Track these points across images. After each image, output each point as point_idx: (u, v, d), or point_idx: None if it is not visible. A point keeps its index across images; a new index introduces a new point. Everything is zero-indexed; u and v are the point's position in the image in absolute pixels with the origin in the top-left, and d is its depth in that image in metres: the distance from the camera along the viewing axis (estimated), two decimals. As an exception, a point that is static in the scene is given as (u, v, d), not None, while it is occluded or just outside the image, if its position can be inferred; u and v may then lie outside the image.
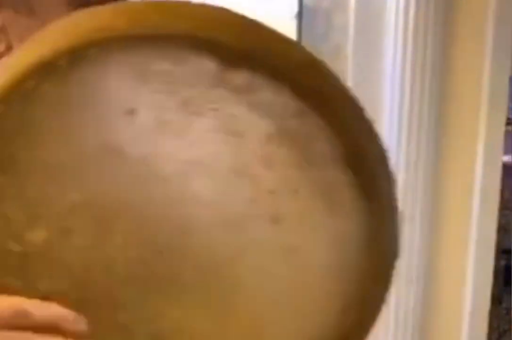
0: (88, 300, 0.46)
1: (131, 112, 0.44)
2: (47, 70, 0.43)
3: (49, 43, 0.44)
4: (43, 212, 0.45)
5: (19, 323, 0.44)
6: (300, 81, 0.45)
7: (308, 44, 2.16)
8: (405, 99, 1.90)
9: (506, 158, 1.94)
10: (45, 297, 0.45)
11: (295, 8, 2.13)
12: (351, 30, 2.16)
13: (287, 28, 2.12)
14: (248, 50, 0.44)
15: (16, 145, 0.44)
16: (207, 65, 0.44)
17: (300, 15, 2.14)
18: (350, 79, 2.19)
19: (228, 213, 0.46)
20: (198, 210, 0.46)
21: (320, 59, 0.46)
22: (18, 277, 0.45)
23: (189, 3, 0.45)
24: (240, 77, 0.44)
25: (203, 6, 0.45)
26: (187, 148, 0.45)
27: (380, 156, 0.49)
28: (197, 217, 0.46)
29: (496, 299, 2.03)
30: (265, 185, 0.46)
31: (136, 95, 0.44)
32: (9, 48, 0.62)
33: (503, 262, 2.16)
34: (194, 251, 0.46)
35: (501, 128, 1.79)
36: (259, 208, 0.47)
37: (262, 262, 0.48)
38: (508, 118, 1.86)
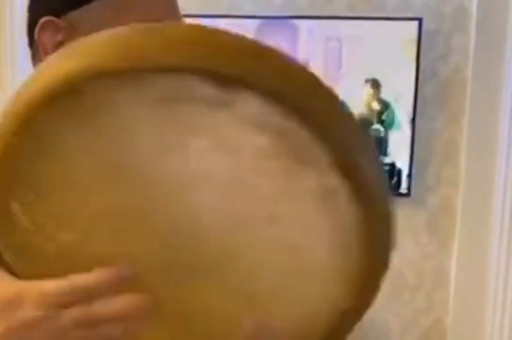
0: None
1: (133, 134, 0.49)
2: (53, 102, 0.48)
3: (50, 76, 0.48)
4: (68, 219, 0.52)
5: (72, 298, 0.51)
6: (287, 98, 0.47)
7: (427, 66, 2.14)
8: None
9: None
10: None
11: (414, 32, 2.12)
12: (471, 52, 2.12)
13: (406, 50, 2.12)
14: (239, 74, 0.46)
15: (38, 166, 0.50)
16: (202, 89, 0.47)
17: (419, 38, 2.12)
18: (468, 101, 2.13)
19: (230, 216, 0.51)
20: (205, 214, 0.51)
21: (304, 71, 0.49)
22: (54, 270, 0.53)
23: (175, 27, 0.48)
24: (232, 98, 0.47)
25: (190, 29, 0.48)
26: (189, 164, 0.50)
27: (372, 166, 0.50)
28: (204, 219, 0.51)
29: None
30: (260, 191, 0.50)
31: (140, 119, 0.48)
32: None
33: None
34: (206, 247, 0.53)
35: None
36: (256, 211, 0.51)
37: (267, 256, 0.53)
38: None
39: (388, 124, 2.16)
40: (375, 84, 2.14)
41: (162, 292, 0.54)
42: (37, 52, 0.82)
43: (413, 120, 2.16)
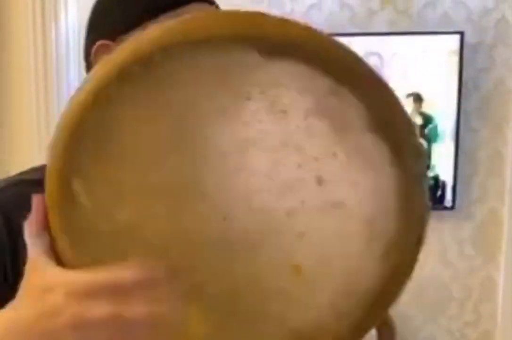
0: (168, 267, 0.53)
1: (193, 103, 0.52)
2: (124, 76, 0.51)
3: (123, 53, 0.52)
4: (126, 195, 0.53)
5: (119, 290, 0.52)
6: (331, 63, 0.52)
7: (469, 79, 2.14)
8: None
9: None
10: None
11: (456, 45, 2.12)
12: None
13: (449, 64, 2.13)
14: (284, 42, 0.51)
15: (106, 138, 0.52)
16: (252, 56, 0.51)
17: (461, 51, 2.12)
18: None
19: (280, 179, 0.53)
20: (255, 178, 0.53)
21: (342, 46, 0.53)
22: (110, 253, 0.53)
23: (238, 12, 0.53)
24: (281, 64, 0.51)
25: (248, 13, 0.52)
26: (241, 129, 0.52)
27: (406, 125, 0.54)
28: (255, 184, 0.53)
29: None
30: (309, 152, 0.53)
31: (197, 88, 0.51)
32: None
33: None
34: (254, 213, 0.54)
35: None
36: (305, 172, 0.53)
37: (313, 217, 0.54)
38: None
39: (431, 138, 2.16)
40: (417, 99, 2.15)
41: (210, 268, 0.55)
42: None
43: (456, 133, 2.16)
